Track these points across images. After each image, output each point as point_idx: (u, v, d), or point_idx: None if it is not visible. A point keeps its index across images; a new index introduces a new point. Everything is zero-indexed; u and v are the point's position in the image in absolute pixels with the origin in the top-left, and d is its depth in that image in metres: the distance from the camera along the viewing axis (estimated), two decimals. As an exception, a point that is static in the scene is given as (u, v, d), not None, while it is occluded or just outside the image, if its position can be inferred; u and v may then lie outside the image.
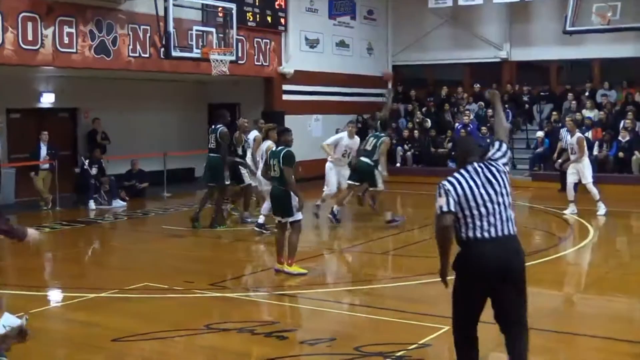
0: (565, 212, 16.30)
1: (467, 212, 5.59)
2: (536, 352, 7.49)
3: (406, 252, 12.84)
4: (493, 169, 5.73)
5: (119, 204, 18.88)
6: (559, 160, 17.59)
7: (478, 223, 5.58)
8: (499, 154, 5.88)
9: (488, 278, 5.61)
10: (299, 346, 7.49)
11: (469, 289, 5.71)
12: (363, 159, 14.91)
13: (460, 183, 5.65)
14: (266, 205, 13.37)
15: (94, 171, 18.86)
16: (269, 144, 13.43)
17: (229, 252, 13.04)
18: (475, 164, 5.76)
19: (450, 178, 5.73)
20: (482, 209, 5.59)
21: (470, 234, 5.61)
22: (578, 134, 16.45)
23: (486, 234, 5.60)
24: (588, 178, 16.16)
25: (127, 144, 21.80)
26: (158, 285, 9.93)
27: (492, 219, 5.61)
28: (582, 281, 11.32)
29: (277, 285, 10.17)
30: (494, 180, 5.66)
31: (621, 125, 22.68)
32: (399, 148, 25.19)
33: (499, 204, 5.63)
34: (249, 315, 8.57)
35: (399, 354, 7.07)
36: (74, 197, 19.07)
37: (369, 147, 14.94)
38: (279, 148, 10.72)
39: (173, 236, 14.42)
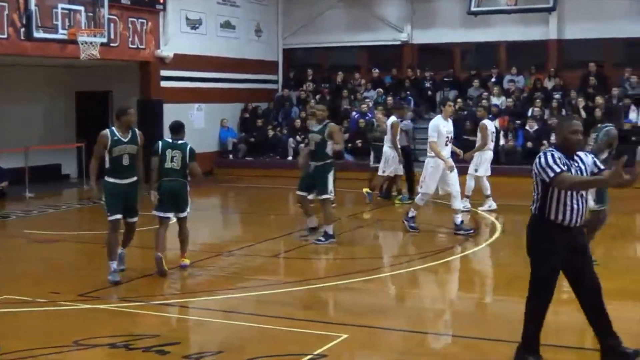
0: (481, 207, 16.62)
1: None
2: (450, 357, 7.65)
3: (298, 254, 12.88)
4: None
5: (-27, 206, 18.33)
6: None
7: None
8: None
9: None
10: (182, 361, 7.41)
11: None
12: None
13: None
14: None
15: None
16: None
17: (101, 258, 12.78)
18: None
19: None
20: None
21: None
22: (483, 121, 16.87)
23: None
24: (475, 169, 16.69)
25: (-18, 138, 21.18)
26: (19, 298, 9.66)
27: None
28: (489, 282, 11.58)
29: (156, 294, 10.04)
30: None
31: (529, 113, 23.35)
32: (290, 140, 25.21)
33: None
34: (125, 329, 8.42)
35: (291, 366, 7.08)
36: None
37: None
38: (183, 142, 11.18)
39: (37, 242, 14.07)
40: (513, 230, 14.78)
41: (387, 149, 17.64)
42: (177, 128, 11.34)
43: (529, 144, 22.49)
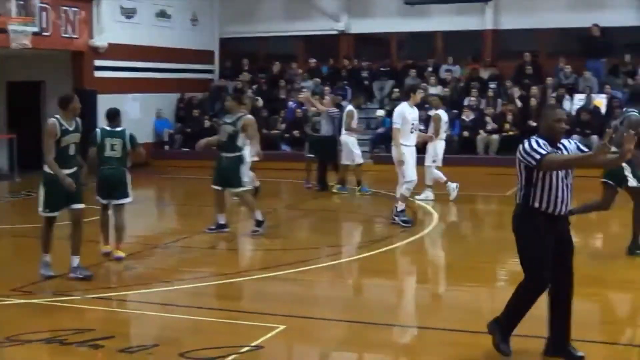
0: (418, 197, 16.73)
1: None
2: (381, 348, 7.72)
3: (234, 246, 12.88)
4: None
5: None
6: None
7: None
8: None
9: None
10: (117, 355, 7.34)
11: None
12: None
13: None
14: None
15: None
16: None
17: (34, 251, 12.62)
18: None
19: None
20: None
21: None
22: (438, 111, 16.96)
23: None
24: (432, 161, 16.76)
25: None
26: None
27: None
28: (427, 271, 11.71)
29: (91, 287, 9.94)
30: None
31: (465, 102, 23.60)
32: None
33: None
34: (59, 324, 8.32)
35: (229, 358, 7.08)
36: None
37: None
38: (121, 129, 11.18)
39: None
40: (449, 220, 14.95)
41: (344, 138, 17.72)
42: (114, 115, 11.27)
43: (465, 133, 22.76)
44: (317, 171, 18.41)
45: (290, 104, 25.19)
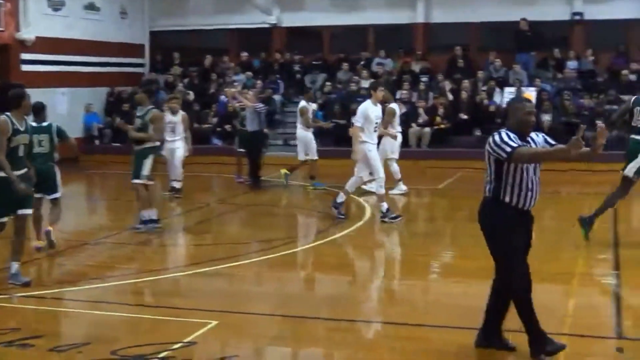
0: (392, 192, 16.60)
1: None
2: (314, 342, 7.74)
3: (166, 241, 12.81)
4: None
5: None
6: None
7: None
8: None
9: None
10: (47, 354, 7.24)
11: None
12: None
13: None
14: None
15: None
16: None
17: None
18: None
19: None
20: None
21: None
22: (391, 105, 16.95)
23: None
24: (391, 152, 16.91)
25: None
26: None
27: None
28: (362, 264, 11.77)
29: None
30: None
31: (397, 96, 23.74)
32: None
33: None
34: (-15, 323, 8.19)
35: (162, 355, 7.03)
36: None
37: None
38: (47, 123, 11.13)
39: None
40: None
41: (300, 132, 17.66)
42: (39, 109, 11.08)
43: (398, 127, 22.90)
44: (249, 166, 18.32)
45: (222, 97, 25.06)
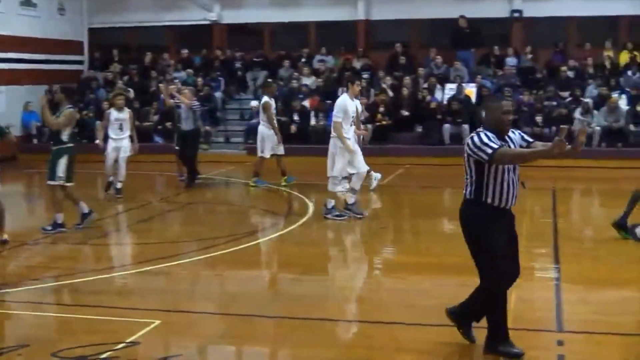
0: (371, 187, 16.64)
1: None
2: (258, 340, 7.73)
3: (107, 240, 12.69)
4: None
5: None
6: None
7: None
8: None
9: None
10: (-16, 357, 7.15)
11: None
12: None
13: None
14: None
15: None
16: None
17: None
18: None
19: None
20: None
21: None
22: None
23: None
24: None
25: None
26: None
27: None
28: (304, 261, 11.76)
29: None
30: None
31: (339, 93, 23.79)
32: (98, 122, 24.46)
33: None
34: None
35: (104, 355, 6.96)
36: None
37: None
38: None
39: None
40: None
41: (261, 128, 17.44)
42: None
43: (340, 124, 22.92)
44: (182, 163, 18.05)
45: (162, 95, 24.85)
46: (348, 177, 13.82)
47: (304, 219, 13.96)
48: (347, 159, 13.41)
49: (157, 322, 7.89)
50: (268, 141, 17.39)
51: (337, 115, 13.35)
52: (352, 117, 13.53)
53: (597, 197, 17.72)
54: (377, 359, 7.06)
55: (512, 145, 6.65)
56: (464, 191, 6.80)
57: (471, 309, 7.02)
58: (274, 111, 17.62)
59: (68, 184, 12.85)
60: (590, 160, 19.21)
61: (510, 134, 6.72)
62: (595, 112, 21.59)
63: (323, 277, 10.56)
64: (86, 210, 13.05)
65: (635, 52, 23.71)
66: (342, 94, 14.27)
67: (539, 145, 6.67)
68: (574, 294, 9.19)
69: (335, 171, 13.51)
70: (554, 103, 22.43)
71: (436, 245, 11.98)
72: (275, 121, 17.44)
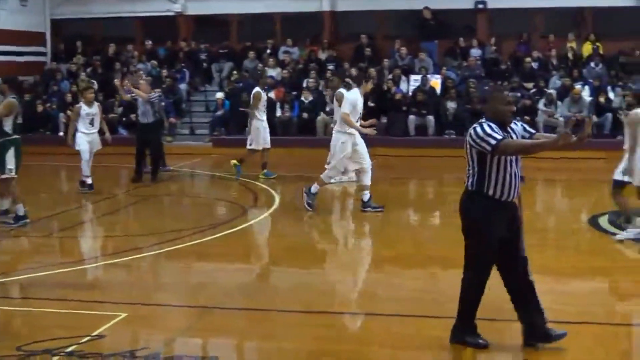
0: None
1: None
2: (225, 332, 7.74)
3: (71, 233, 12.61)
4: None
5: None
6: None
7: None
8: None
9: None
10: (-52, 352, 7.09)
11: None
12: None
13: None
14: None
15: None
16: None
17: None
18: None
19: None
20: None
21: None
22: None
23: None
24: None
25: None
26: None
27: None
28: (270, 252, 11.80)
29: None
30: None
31: (304, 84, 23.84)
32: (61, 115, 24.35)
33: None
34: None
35: (69, 349, 6.92)
36: None
37: None
38: None
39: None
40: (291, 201, 15.05)
41: (255, 121, 17.27)
42: None
43: (305, 115, 22.94)
44: (142, 158, 17.59)
45: (126, 87, 24.68)
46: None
47: (270, 211, 13.97)
48: (347, 154, 13.36)
49: (123, 315, 7.87)
50: (263, 133, 17.35)
51: (347, 108, 13.27)
52: (360, 112, 13.52)
53: (560, 187, 17.85)
54: (342, 351, 7.09)
55: (514, 137, 6.65)
56: (466, 182, 6.78)
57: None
58: (264, 103, 17.52)
59: (14, 176, 12.38)
60: (553, 151, 19.30)
61: (512, 125, 6.73)
62: (559, 102, 21.76)
63: (289, 268, 10.58)
64: (6, 207, 12.74)
65: (598, 44, 23.97)
66: (343, 88, 14.22)
67: (541, 137, 6.73)
68: (541, 285, 9.26)
69: (331, 164, 13.57)
70: (518, 94, 22.56)
71: (407, 237, 12.06)
72: (257, 113, 17.24)
